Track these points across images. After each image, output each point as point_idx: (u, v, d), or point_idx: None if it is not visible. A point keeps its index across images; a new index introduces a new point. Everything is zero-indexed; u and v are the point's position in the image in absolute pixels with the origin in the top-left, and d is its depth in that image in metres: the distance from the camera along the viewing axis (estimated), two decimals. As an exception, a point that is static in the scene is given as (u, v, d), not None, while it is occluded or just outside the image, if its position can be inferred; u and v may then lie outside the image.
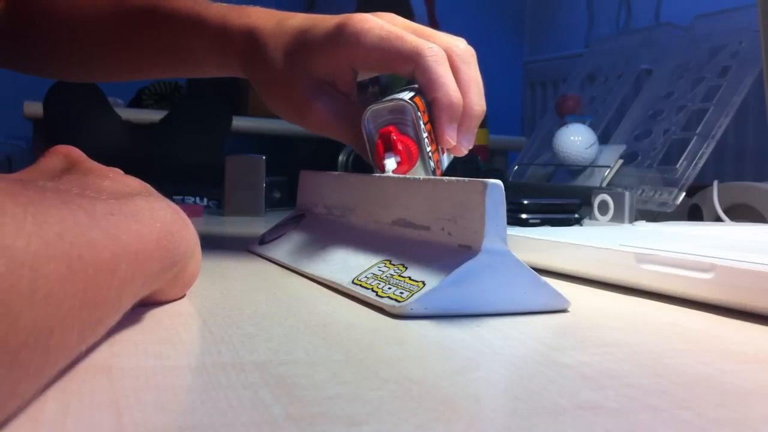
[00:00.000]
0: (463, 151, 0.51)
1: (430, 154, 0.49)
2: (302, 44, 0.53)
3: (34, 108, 1.33)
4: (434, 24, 1.96)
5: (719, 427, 0.21)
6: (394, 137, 0.47)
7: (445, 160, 0.52)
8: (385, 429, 0.20)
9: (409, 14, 1.87)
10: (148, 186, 0.35)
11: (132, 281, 0.26)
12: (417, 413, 0.21)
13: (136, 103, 1.56)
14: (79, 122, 1.10)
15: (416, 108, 0.48)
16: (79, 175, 0.32)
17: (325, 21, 0.53)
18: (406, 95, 0.49)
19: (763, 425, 0.22)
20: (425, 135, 0.48)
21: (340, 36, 0.51)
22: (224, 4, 0.58)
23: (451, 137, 0.49)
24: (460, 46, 0.51)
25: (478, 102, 0.50)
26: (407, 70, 0.50)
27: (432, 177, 0.39)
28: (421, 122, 0.48)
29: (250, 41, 0.56)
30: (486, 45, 2.09)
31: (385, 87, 1.80)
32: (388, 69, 0.51)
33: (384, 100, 0.49)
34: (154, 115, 1.32)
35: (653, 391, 0.24)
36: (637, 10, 1.75)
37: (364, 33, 0.50)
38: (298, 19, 0.55)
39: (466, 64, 0.51)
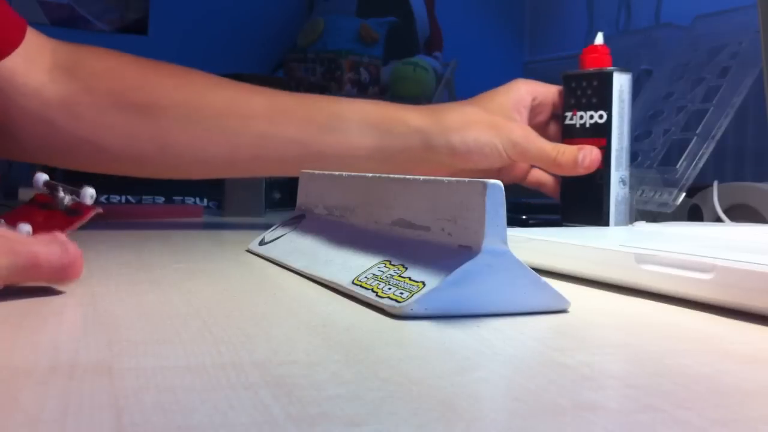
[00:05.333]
0: None
1: None
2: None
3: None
4: (434, 24, 1.96)
5: (719, 427, 0.21)
6: None
7: None
8: (385, 429, 0.20)
9: (409, 14, 1.87)
10: None
11: None
12: (417, 413, 0.21)
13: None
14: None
15: None
16: None
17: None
18: None
19: (763, 425, 0.22)
20: None
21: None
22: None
23: None
24: None
25: None
26: None
27: (432, 177, 0.39)
28: None
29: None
30: (486, 45, 2.10)
31: (384, 87, 1.80)
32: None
33: None
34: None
35: (653, 392, 0.24)
36: (637, 11, 1.75)
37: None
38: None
39: None
